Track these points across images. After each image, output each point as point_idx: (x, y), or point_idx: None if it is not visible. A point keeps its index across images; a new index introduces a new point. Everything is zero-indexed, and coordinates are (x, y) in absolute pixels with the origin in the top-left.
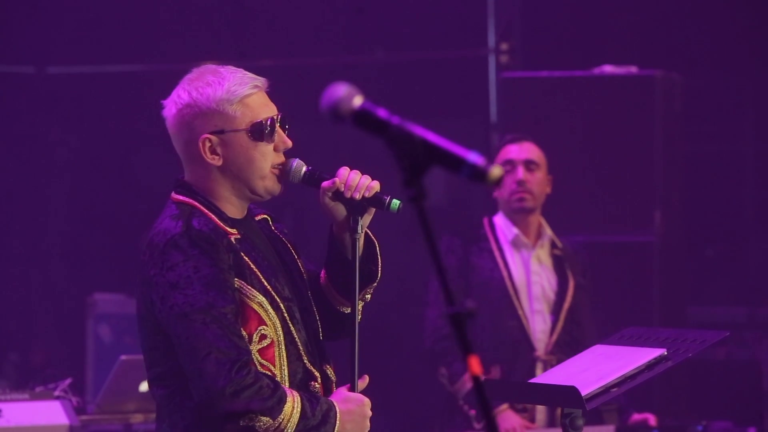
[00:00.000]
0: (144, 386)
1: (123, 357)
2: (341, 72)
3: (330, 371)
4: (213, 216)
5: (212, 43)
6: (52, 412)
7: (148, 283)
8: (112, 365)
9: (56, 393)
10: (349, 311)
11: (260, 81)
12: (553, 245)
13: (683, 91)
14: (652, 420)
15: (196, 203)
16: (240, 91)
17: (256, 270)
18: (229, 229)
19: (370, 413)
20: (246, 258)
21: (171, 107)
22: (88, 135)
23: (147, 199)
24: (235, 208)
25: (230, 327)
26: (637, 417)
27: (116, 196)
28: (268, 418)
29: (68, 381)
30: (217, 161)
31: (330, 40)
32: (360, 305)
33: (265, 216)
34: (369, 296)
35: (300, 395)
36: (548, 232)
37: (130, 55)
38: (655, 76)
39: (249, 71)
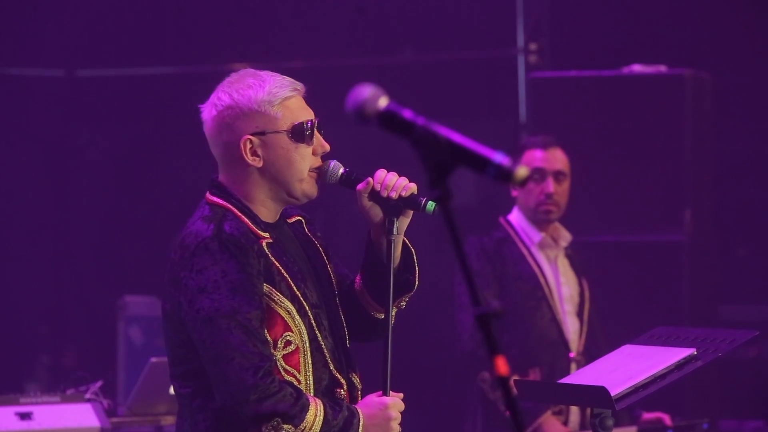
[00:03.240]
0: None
1: (153, 359)
2: (370, 72)
3: (356, 379)
4: (246, 220)
5: (241, 45)
6: (83, 414)
7: (176, 284)
8: (143, 367)
9: (87, 395)
10: (382, 317)
11: (299, 85)
12: (565, 247)
13: (713, 90)
14: (667, 420)
15: (230, 206)
16: (281, 93)
17: (286, 275)
18: (261, 233)
19: (394, 415)
20: (276, 263)
21: (210, 110)
22: (118, 137)
23: (177, 201)
24: (268, 211)
25: (255, 333)
26: (647, 416)
27: (146, 198)
28: (290, 426)
29: (99, 383)
30: (258, 162)
31: (359, 41)
32: (394, 311)
33: (300, 218)
34: (404, 304)
35: (323, 402)
36: (566, 233)
37: (159, 58)
38: (684, 75)
39: (277, 72)
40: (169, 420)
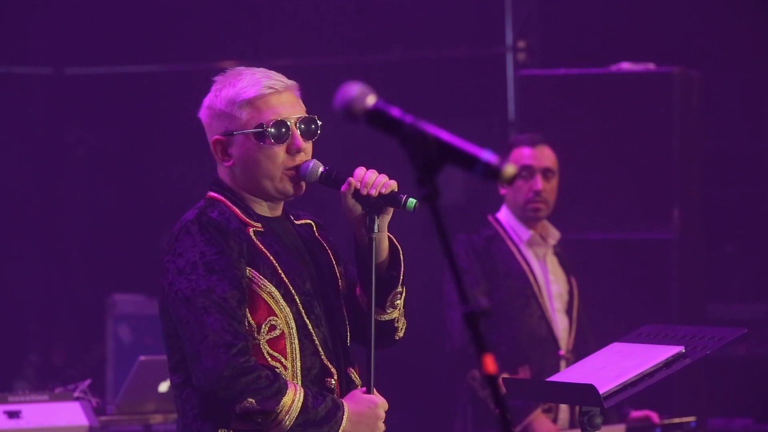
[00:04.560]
0: (163, 387)
1: (142, 358)
2: (359, 71)
3: (354, 375)
4: (237, 209)
5: (230, 43)
6: (72, 413)
7: (161, 270)
8: (132, 366)
9: (76, 394)
10: (386, 319)
11: (280, 83)
12: (554, 245)
13: (701, 88)
14: (655, 417)
15: (223, 198)
16: (248, 93)
17: (273, 261)
18: (250, 222)
19: (383, 415)
20: (263, 248)
21: (201, 109)
22: (106, 135)
23: (166, 199)
24: (261, 206)
25: (231, 312)
26: (636, 414)
27: (135, 196)
28: (264, 407)
29: (88, 382)
30: (229, 162)
31: (348, 39)
32: (395, 314)
33: (309, 222)
34: (399, 302)
35: (305, 390)
36: (554, 231)
37: (147, 56)
38: (672, 73)
39: (260, 69)
40: (158, 418)
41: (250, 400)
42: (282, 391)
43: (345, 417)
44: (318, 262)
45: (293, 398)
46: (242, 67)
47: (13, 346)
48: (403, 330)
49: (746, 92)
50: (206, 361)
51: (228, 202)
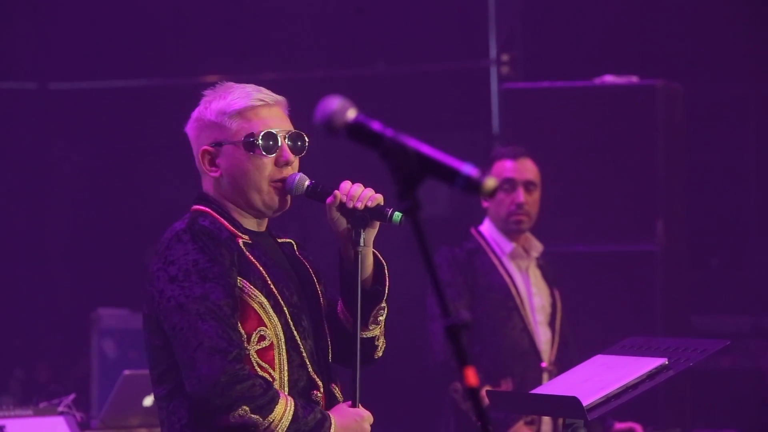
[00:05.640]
0: (147, 401)
1: (126, 372)
2: (343, 85)
3: (337, 391)
4: (224, 220)
5: (215, 57)
6: (56, 427)
7: (150, 279)
8: (116, 380)
9: (60, 408)
10: (369, 336)
11: (270, 98)
12: (537, 257)
13: (685, 101)
14: (639, 429)
15: (209, 210)
16: (239, 104)
17: (262, 271)
18: (238, 233)
19: (368, 429)
20: (253, 259)
21: (188, 123)
22: (91, 150)
23: (150, 215)
24: (247, 220)
25: (225, 319)
26: (620, 426)
27: (120, 210)
28: (258, 416)
29: (72, 396)
30: (216, 173)
31: (331, 53)
32: (376, 331)
33: (290, 241)
34: (382, 318)
35: (294, 400)
36: (537, 244)
37: (132, 71)
38: (656, 86)
39: (250, 84)
40: None
41: (245, 408)
42: (275, 400)
43: (332, 429)
44: (302, 280)
45: (285, 408)
46: (232, 82)
47: None
48: (383, 349)
49: (729, 105)
50: (202, 367)
51: (215, 214)
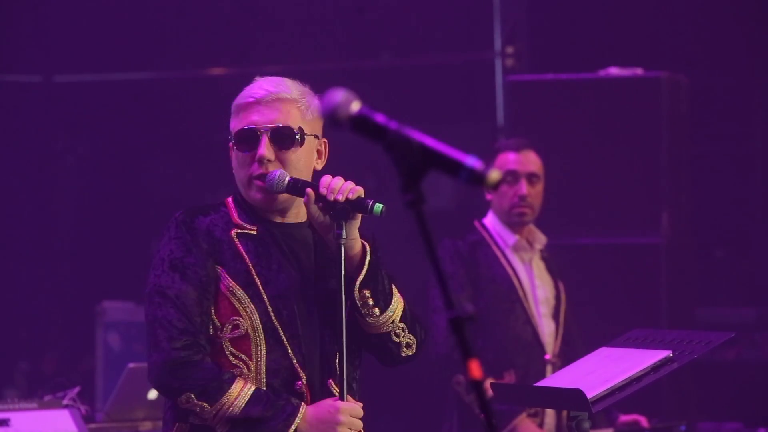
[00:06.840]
0: (152, 394)
1: (131, 365)
2: (347, 76)
3: (334, 387)
4: (234, 212)
5: (219, 50)
6: (61, 420)
7: None
8: (121, 373)
9: (65, 401)
10: (384, 331)
11: (263, 92)
12: (540, 249)
13: (689, 93)
14: (644, 422)
15: (230, 199)
16: (236, 101)
17: (247, 261)
18: (241, 223)
19: (343, 419)
20: (241, 250)
21: None
22: (95, 143)
23: (155, 206)
24: (263, 211)
25: (183, 308)
26: (624, 418)
27: (124, 203)
28: (204, 403)
29: (77, 389)
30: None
31: (336, 45)
32: (391, 326)
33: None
34: (373, 308)
35: (256, 388)
36: (541, 236)
37: (137, 64)
38: (661, 78)
39: (253, 77)
40: (147, 425)
41: (189, 394)
42: (224, 387)
43: (299, 417)
44: (323, 273)
45: (240, 390)
46: (260, 77)
47: (3, 354)
48: (413, 348)
49: (734, 97)
50: (153, 354)
51: (232, 205)
